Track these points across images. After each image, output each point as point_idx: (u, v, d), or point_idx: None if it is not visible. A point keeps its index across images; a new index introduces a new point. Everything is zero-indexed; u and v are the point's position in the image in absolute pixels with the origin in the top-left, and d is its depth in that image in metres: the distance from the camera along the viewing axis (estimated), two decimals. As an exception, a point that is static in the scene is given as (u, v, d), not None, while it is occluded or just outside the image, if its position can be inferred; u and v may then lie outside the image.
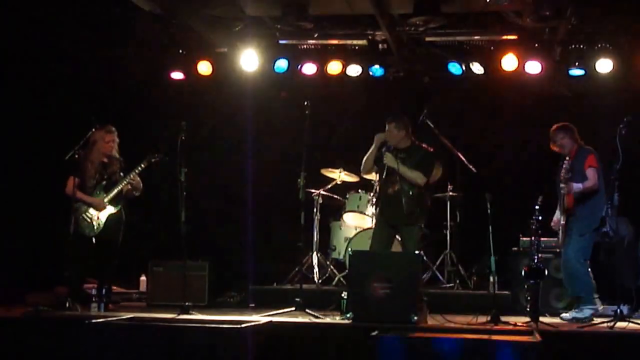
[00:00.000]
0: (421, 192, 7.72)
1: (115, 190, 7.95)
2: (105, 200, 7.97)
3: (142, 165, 7.97)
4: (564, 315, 7.43)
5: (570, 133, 7.57)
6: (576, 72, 9.26)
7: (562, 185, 7.33)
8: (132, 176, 7.94)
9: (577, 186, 7.33)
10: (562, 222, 7.46)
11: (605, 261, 7.83)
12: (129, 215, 8.19)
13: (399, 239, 8.20)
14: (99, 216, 7.92)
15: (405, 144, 7.81)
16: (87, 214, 7.92)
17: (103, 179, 7.99)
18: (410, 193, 7.62)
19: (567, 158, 7.45)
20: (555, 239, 8.21)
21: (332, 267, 9.52)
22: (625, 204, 7.35)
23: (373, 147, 7.86)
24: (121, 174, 8.03)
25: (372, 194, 9.34)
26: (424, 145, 7.86)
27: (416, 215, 7.66)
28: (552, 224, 7.74)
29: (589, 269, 7.41)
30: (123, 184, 7.96)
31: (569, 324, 7.07)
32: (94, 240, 7.92)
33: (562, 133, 7.61)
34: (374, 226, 8.17)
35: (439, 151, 8.43)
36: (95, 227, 7.92)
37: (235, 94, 10.08)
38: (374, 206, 9.12)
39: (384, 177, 7.83)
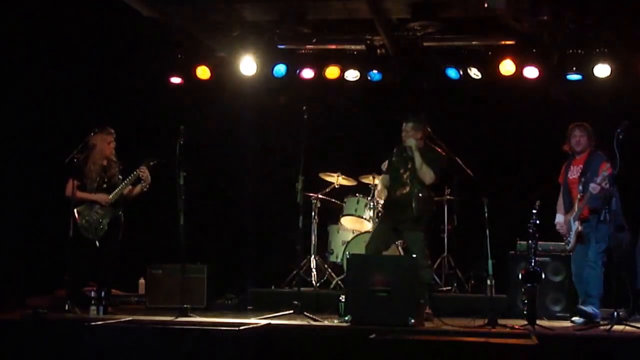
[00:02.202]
0: (428, 196, 7.63)
1: (116, 193, 7.97)
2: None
3: (141, 169, 7.98)
4: (575, 319, 7.44)
5: (588, 132, 7.57)
6: (574, 77, 9.30)
7: (585, 187, 7.19)
8: (136, 172, 7.93)
9: (594, 186, 7.20)
10: (579, 228, 7.43)
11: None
12: (127, 218, 8.21)
13: (397, 244, 8.21)
14: (101, 220, 7.93)
15: (420, 144, 7.68)
16: (90, 217, 7.92)
17: (104, 182, 8.00)
18: (420, 195, 7.51)
19: (576, 158, 7.50)
20: (553, 242, 8.26)
21: (330, 270, 9.54)
22: (623, 209, 7.40)
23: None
24: (120, 176, 8.05)
25: (369, 198, 9.39)
26: (437, 149, 7.84)
27: (424, 222, 7.59)
28: (557, 227, 7.73)
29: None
30: (123, 186, 7.97)
31: (566, 327, 7.11)
32: (97, 243, 7.93)
33: (580, 131, 7.62)
34: (375, 226, 8.10)
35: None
36: (98, 231, 7.93)
37: (233, 98, 10.10)
38: (374, 210, 9.16)
39: (392, 179, 7.80)
